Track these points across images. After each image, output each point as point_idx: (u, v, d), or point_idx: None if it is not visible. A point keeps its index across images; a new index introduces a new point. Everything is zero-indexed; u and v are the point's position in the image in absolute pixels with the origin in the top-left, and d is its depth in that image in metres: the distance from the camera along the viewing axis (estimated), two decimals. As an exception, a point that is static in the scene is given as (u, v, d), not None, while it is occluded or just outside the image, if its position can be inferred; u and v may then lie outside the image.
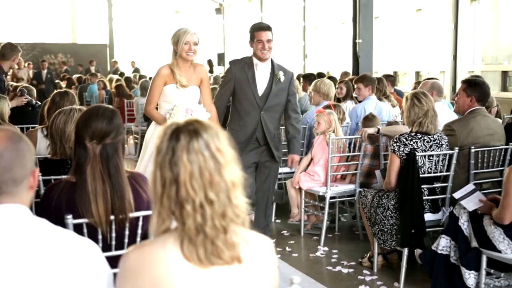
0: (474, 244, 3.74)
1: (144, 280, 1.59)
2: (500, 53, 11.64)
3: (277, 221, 6.10)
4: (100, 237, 2.41)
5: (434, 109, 4.19)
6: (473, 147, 4.37)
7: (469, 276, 3.75)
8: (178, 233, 1.61)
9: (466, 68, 12.02)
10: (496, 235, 3.56)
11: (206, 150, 1.63)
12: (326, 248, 5.19)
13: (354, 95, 6.86)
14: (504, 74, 11.19)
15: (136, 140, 10.18)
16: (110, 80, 13.18)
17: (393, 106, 6.92)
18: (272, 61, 4.74)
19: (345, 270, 4.63)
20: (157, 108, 4.56)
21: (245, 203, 1.68)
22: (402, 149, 4.21)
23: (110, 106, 2.66)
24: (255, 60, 4.68)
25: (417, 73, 13.30)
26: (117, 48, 23.25)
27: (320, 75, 8.78)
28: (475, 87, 4.43)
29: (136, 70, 18.13)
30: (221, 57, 21.27)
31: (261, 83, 4.69)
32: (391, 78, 7.29)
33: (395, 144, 4.25)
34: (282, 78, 4.70)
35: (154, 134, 4.35)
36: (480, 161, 4.42)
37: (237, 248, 1.63)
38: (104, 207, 2.42)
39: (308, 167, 5.57)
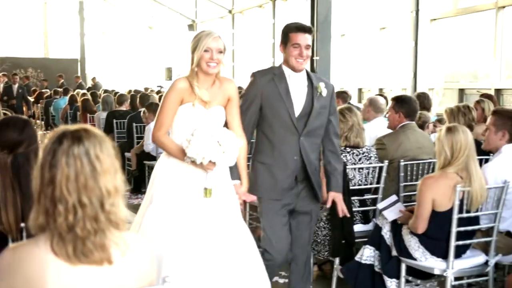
0: (394, 252, 3.90)
1: (17, 277, 1.70)
2: (458, 72, 11.95)
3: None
4: (10, 244, 2.51)
5: (359, 123, 4.38)
6: (402, 160, 4.55)
7: (391, 284, 3.91)
8: (50, 230, 1.73)
9: (426, 86, 12.30)
10: (412, 243, 3.73)
11: (85, 157, 1.76)
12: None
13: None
14: (461, 91, 11.49)
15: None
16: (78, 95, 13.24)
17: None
18: (307, 71, 3.72)
19: (281, 280, 4.76)
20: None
21: (123, 210, 1.82)
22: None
23: (24, 117, 2.78)
24: (286, 70, 3.63)
25: (380, 90, 13.55)
26: (90, 63, 23.29)
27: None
28: (402, 104, 4.64)
29: (96, 86, 17.94)
30: (193, 73, 21.42)
31: (298, 99, 3.61)
32: (343, 95, 7.48)
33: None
34: (324, 92, 3.64)
35: (164, 170, 3.34)
36: (409, 173, 4.60)
37: (108, 250, 1.75)
38: (14, 215, 2.53)
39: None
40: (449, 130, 3.61)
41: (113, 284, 1.77)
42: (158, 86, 18.30)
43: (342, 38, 15.01)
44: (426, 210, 3.60)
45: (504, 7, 10.30)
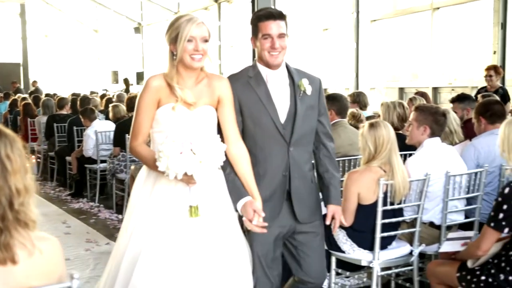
0: (325, 246, 4.00)
1: None
2: (398, 71, 12.28)
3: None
4: None
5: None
6: (333, 157, 4.66)
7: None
8: None
9: (368, 85, 12.58)
10: (340, 236, 3.83)
11: None
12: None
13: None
14: (401, 90, 11.80)
15: (38, 160, 10.08)
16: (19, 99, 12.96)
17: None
18: (287, 65, 3.12)
19: None
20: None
21: (34, 211, 1.83)
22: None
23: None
24: (263, 69, 3.03)
25: (325, 90, 13.79)
26: (34, 67, 22.80)
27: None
28: (333, 102, 4.76)
29: (37, 90, 17.50)
30: (140, 76, 21.28)
31: (281, 102, 3.04)
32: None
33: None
34: (309, 89, 3.05)
35: (144, 188, 2.83)
36: (341, 169, 4.71)
37: (12, 250, 1.76)
38: None
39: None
40: (372, 126, 3.73)
41: (16, 284, 1.78)
42: (103, 90, 18.10)
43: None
44: (352, 203, 3.71)
45: (438, 8, 10.64)
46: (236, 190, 2.91)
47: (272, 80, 3.04)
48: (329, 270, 4.01)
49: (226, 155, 2.73)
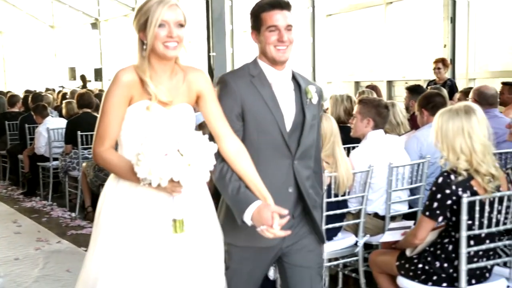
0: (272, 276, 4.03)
1: None
2: (354, 65, 12.43)
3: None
4: None
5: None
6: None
7: (269, 270, 4.04)
8: None
9: (325, 79, 12.69)
10: (286, 229, 3.87)
11: None
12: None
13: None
14: (357, 84, 11.94)
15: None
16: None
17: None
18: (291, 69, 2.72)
19: None
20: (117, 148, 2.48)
21: None
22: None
23: None
24: (266, 68, 2.64)
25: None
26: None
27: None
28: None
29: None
30: (98, 72, 21.01)
31: (287, 108, 2.64)
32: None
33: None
34: (315, 98, 2.69)
35: (113, 200, 2.40)
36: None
37: None
38: None
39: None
40: (315, 119, 3.77)
41: None
42: (60, 87, 17.81)
43: (244, 34, 15.19)
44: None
45: (392, 2, 10.79)
46: (242, 197, 2.43)
47: (276, 81, 2.63)
48: (276, 262, 4.05)
49: (222, 156, 2.44)
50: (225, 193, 2.49)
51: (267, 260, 2.74)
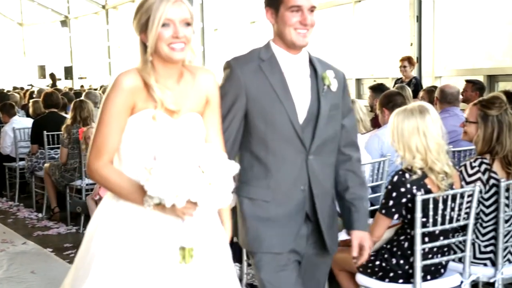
0: (235, 239, 4.06)
1: None
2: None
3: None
4: None
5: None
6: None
7: (234, 268, 4.08)
8: None
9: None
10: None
11: None
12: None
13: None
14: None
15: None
16: None
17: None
18: (308, 52, 2.49)
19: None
20: None
21: None
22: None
23: None
24: (279, 52, 2.40)
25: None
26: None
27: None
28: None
29: None
30: (68, 71, 20.82)
31: (301, 97, 2.40)
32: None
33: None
34: (334, 85, 2.43)
35: (111, 223, 2.11)
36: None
37: None
38: None
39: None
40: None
41: None
42: (28, 85, 17.60)
43: (215, 33, 15.19)
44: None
45: (360, 1, 10.90)
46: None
47: (289, 66, 2.38)
48: (240, 261, 4.09)
49: None
50: None
51: (292, 263, 2.50)
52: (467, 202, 3.10)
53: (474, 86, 6.46)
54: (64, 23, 21.45)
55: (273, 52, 2.39)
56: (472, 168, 3.32)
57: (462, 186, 3.16)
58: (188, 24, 2.08)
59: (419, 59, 9.17)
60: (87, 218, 5.92)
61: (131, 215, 2.06)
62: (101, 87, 13.10)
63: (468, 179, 3.29)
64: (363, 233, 2.57)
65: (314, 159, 2.40)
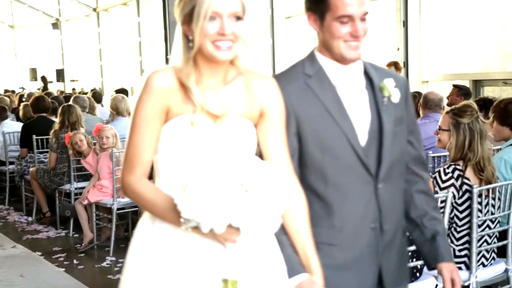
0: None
1: None
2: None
3: (75, 235, 6.26)
4: None
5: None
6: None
7: None
8: None
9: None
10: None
11: None
12: (113, 258, 5.42)
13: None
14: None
15: None
16: None
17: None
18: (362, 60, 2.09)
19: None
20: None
21: None
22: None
23: None
24: (326, 64, 2.05)
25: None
26: None
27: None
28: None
29: None
30: (60, 73, 20.82)
31: (357, 115, 2.02)
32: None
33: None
34: (396, 95, 2.04)
35: (147, 247, 1.78)
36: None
37: None
38: None
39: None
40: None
41: None
42: (20, 88, 17.61)
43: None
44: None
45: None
46: (285, 261, 1.85)
47: (341, 80, 2.03)
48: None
49: None
50: None
51: None
52: (441, 208, 3.20)
53: (460, 91, 6.55)
54: (55, 25, 21.46)
55: (320, 65, 2.05)
56: (446, 174, 3.42)
57: (436, 192, 3.27)
58: (239, 18, 1.76)
59: (405, 64, 9.29)
60: (76, 222, 6.03)
61: (168, 239, 1.75)
62: (92, 90, 13.16)
63: (442, 185, 3.40)
64: (452, 265, 2.17)
65: (383, 188, 2.01)
